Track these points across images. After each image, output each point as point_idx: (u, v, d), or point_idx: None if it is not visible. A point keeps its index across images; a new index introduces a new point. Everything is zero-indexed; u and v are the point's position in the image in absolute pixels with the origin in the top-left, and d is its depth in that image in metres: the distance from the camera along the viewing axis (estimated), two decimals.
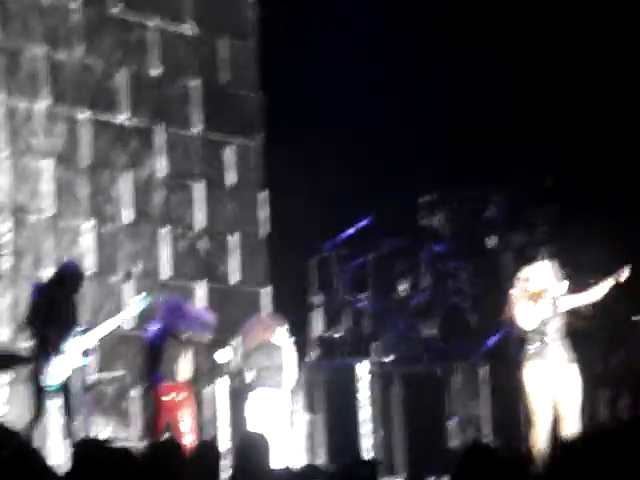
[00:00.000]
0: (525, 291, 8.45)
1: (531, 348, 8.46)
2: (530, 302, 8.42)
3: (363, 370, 10.78)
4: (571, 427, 8.38)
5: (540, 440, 8.32)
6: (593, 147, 12.76)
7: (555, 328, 8.51)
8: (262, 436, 6.37)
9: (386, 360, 10.91)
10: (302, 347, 11.45)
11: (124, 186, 11.41)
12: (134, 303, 9.84)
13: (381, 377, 10.81)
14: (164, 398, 9.45)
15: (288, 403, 10.07)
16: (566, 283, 8.59)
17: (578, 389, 8.53)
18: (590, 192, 12.44)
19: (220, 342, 10.41)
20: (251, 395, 9.95)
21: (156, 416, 9.48)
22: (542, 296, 8.43)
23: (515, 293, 8.52)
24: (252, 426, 9.50)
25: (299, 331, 11.67)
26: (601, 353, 11.20)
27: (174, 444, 5.62)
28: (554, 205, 12.29)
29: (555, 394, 8.46)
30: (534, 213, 12.23)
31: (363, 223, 11.50)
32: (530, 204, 12.23)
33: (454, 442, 10.16)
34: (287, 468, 7.19)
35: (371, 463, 7.20)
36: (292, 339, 10.23)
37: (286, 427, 9.94)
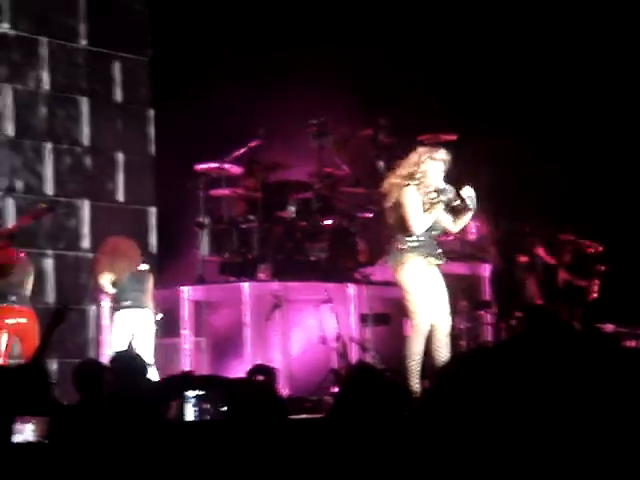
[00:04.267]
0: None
1: (410, 241, 8.11)
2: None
3: (250, 292, 10.70)
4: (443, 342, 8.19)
5: (418, 351, 8.08)
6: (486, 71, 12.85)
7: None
8: (137, 356, 6.29)
9: (273, 283, 10.84)
10: (191, 268, 11.35)
11: (5, 99, 11.05)
12: None
13: (267, 299, 10.74)
14: None
15: (152, 323, 9.92)
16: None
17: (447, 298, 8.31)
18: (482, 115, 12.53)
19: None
20: (118, 315, 9.78)
21: None
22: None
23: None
24: (121, 345, 9.29)
25: (186, 252, 11.55)
26: None
27: None
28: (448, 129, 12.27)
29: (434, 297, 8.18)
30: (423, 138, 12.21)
31: (254, 142, 11.33)
32: (419, 128, 12.21)
33: (338, 363, 10.16)
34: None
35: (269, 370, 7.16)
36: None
37: (151, 346, 9.78)
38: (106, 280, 9.70)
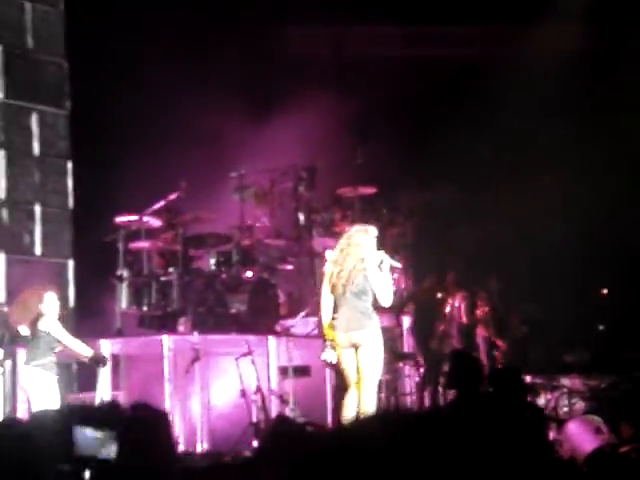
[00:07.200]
0: None
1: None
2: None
3: (169, 345, 10.61)
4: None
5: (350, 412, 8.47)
6: None
7: None
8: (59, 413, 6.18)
9: (193, 336, 10.76)
10: (110, 321, 11.23)
11: None
12: None
13: (187, 352, 10.65)
14: None
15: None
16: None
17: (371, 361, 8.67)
18: None
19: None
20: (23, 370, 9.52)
21: None
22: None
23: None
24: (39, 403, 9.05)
25: (104, 305, 11.44)
26: None
27: None
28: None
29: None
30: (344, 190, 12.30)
31: (174, 195, 11.31)
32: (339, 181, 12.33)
33: (257, 416, 10.09)
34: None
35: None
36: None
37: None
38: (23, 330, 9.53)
